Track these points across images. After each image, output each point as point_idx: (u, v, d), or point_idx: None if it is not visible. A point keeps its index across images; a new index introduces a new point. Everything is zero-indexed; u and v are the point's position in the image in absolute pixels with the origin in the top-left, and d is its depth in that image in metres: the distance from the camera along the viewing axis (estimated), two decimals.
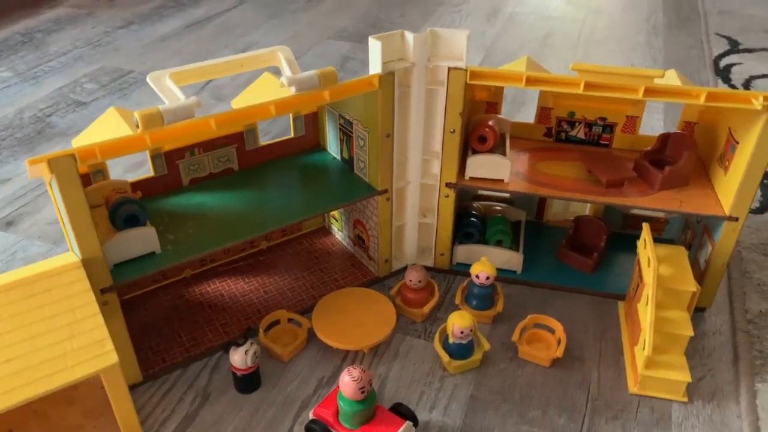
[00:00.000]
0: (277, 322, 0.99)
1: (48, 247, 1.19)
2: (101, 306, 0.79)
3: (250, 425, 0.85)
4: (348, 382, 0.76)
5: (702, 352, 0.97)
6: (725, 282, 1.10)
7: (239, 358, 0.86)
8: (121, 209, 0.83)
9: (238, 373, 0.88)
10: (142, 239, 0.84)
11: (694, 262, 1.04)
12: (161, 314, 1.02)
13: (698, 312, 1.04)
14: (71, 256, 0.78)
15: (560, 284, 1.09)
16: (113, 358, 0.71)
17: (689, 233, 1.09)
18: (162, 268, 0.85)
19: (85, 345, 0.71)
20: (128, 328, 0.87)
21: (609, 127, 1.10)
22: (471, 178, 1.02)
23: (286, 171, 1.06)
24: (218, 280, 1.09)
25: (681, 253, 0.95)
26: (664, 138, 1.04)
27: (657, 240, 1.01)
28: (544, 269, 1.12)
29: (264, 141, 1.07)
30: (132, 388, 0.89)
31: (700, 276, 1.01)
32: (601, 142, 1.11)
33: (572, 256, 1.11)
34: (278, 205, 0.97)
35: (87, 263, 0.77)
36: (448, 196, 1.03)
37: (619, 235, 1.18)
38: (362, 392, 0.77)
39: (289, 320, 0.99)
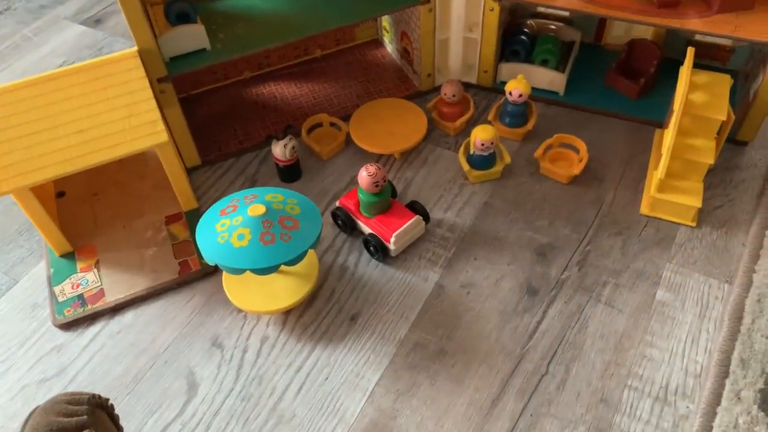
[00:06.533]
0: (320, 125, 1.08)
1: (131, 44, 1.31)
2: (159, 94, 0.91)
3: None
4: (365, 176, 0.86)
5: (729, 183, 0.97)
6: None
7: (279, 150, 0.97)
8: (174, 7, 0.91)
9: (280, 164, 0.99)
10: (193, 35, 0.92)
11: (745, 94, 1.00)
12: (221, 110, 1.13)
13: (740, 145, 1.02)
14: (133, 48, 0.88)
15: (602, 108, 1.08)
16: (164, 136, 0.83)
17: (751, 64, 1.03)
18: (211, 63, 0.94)
19: (141, 124, 0.83)
20: (191, 120, 0.98)
21: None
22: None
23: None
24: (273, 84, 1.18)
25: (724, 81, 0.92)
26: None
27: (717, 69, 0.96)
28: (588, 93, 1.11)
29: None
30: (192, 169, 1.04)
31: (746, 107, 0.98)
32: None
33: (619, 80, 1.09)
34: (322, 10, 1.00)
35: (143, 54, 0.87)
36: (492, 10, 1.02)
37: (679, 63, 1.13)
38: (376, 186, 0.86)
39: (331, 124, 1.07)
